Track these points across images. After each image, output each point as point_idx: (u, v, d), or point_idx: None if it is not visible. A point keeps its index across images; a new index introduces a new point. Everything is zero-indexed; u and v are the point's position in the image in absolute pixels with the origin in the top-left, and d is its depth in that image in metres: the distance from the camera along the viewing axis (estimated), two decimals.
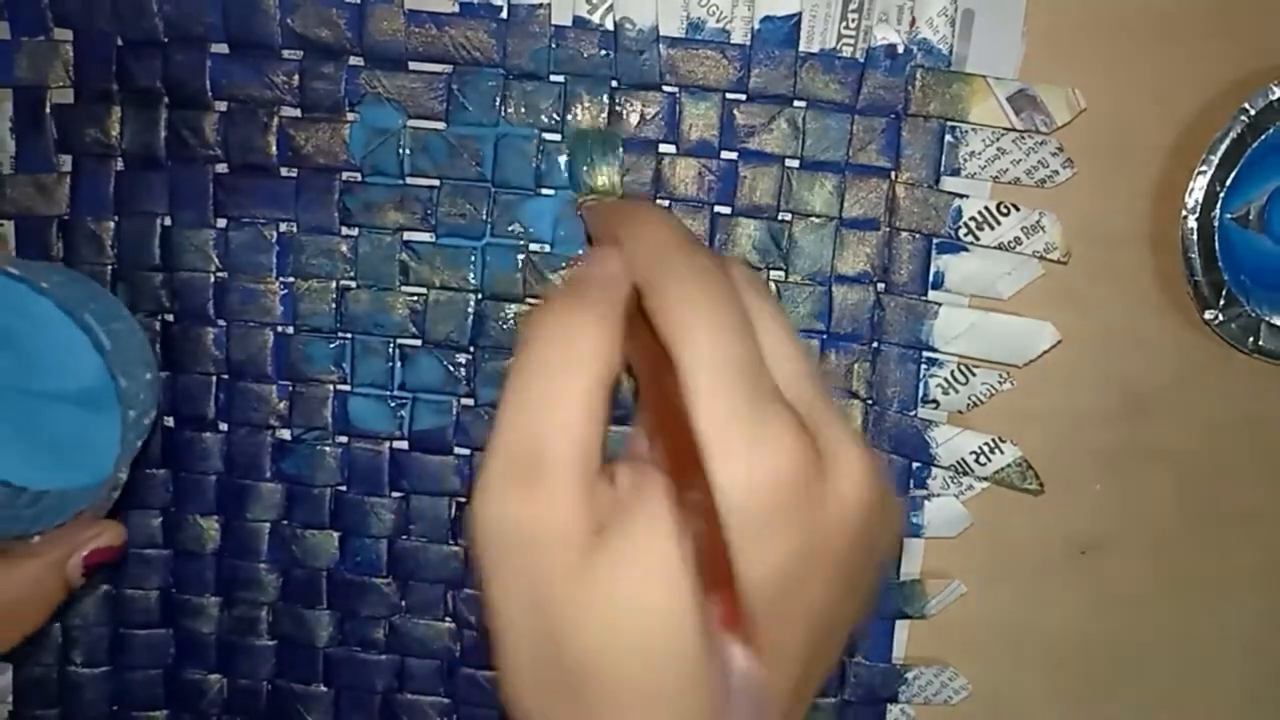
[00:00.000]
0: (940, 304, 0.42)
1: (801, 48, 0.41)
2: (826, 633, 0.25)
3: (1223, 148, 0.41)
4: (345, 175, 0.42)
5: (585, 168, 0.41)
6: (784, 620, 0.23)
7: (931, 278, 0.42)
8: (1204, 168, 0.41)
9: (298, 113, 0.42)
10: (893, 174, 0.41)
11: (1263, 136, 0.41)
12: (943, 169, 0.41)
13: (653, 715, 0.22)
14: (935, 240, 0.42)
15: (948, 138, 0.41)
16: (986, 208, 0.41)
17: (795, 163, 0.42)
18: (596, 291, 0.25)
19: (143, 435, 0.36)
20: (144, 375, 0.36)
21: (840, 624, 0.26)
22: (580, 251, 0.42)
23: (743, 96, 0.41)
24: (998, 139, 0.41)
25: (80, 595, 0.44)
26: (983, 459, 0.42)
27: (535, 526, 0.23)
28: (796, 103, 0.41)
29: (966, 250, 0.42)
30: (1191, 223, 0.41)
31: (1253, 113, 0.40)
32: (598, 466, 0.23)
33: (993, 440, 0.42)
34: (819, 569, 0.24)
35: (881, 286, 0.42)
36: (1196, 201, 0.41)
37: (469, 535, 0.24)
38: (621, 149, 0.41)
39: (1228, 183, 0.41)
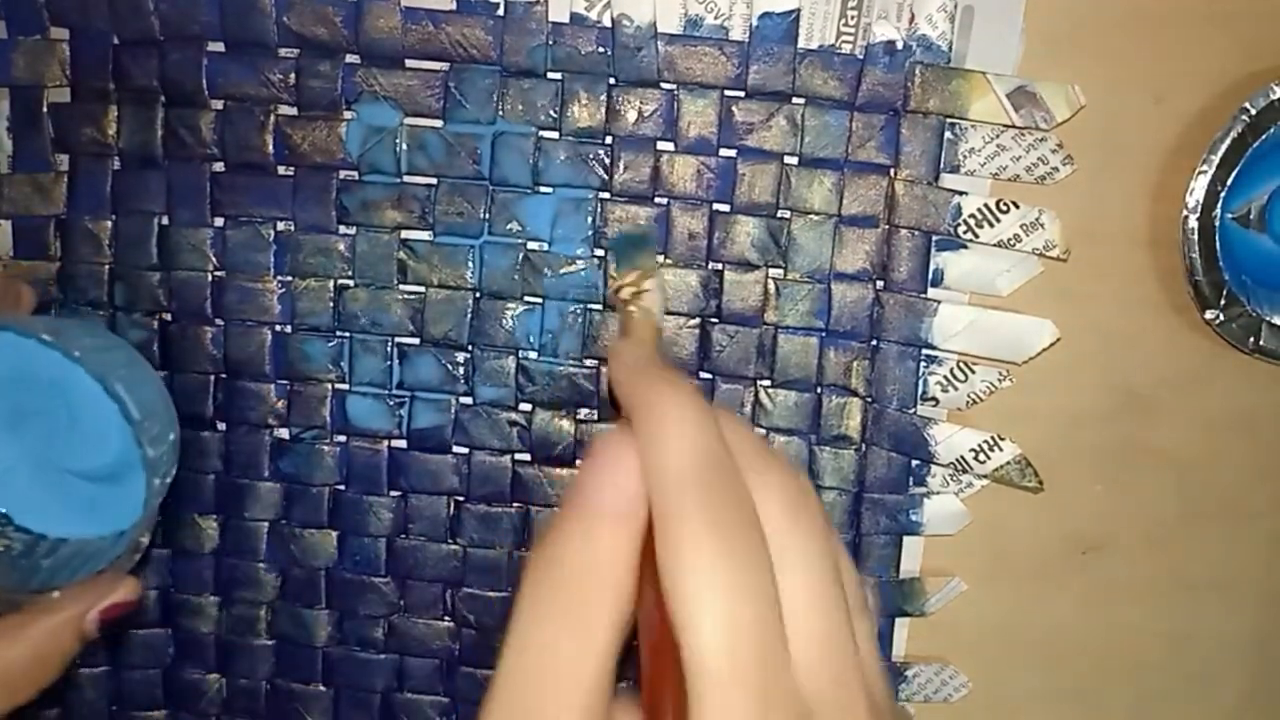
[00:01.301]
0: (939, 301, 0.42)
1: (800, 44, 0.41)
2: None
3: (1223, 147, 0.40)
4: (342, 174, 0.42)
5: (622, 262, 0.41)
6: None
7: (931, 275, 0.42)
8: (1204, 167, 0.41)
9: (294, 111, 0.41)
10: (892, 171, 0.41)
11: (1263, 136, 0.40)
12: (942, 166, 0.41)
13: None
14: (934, 237, 0.41)
15: (947, 134, 0.41)
16: (986, 205, 0.41)
17: (794, 160, 0.41)
18: (612, 524, 0.21)
19: (163, 494, 0.37)
20: (169, 437, 0.36)
21: None
22: (580, 251, 0.42)
23: (741, 93, 0.41)
24: (997, 135, 0.41)
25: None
26: (982, 456, 0.42)
27: None
28: (795, 99, 0.41)
29: (966, 248, 0.42)
30: (1192, 222, 0.41)
31: (1253, 112, 0.40)
32: None
33: (992, 438, 0.42)
34: None
35: (881, 284, 0.42)
36: (1197, 201, 0.41)
37: None
38: (654, 245, 0.42)
39: (1228, 182, 0.41)
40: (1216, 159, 0.41)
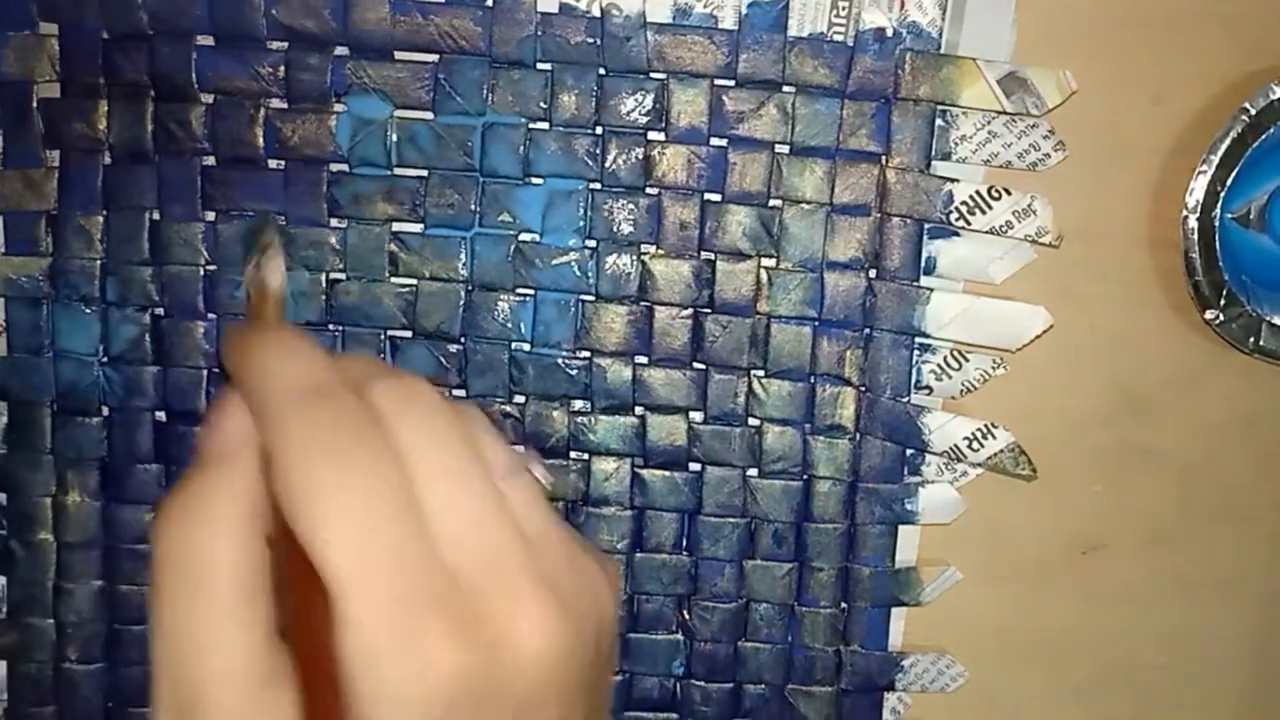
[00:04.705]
0: (932, 289, 0.41)
1: (790, 32, 0.40)
2: None
3: (1223, 147, 0.40)
4: (333, 166, 0.42)
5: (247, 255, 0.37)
6: None
7: (923, 263, 0.42)
8: (1204, 167, 0.40)
9: (284, 104, 0.41)
10: (883, 158, 0.41)
11: (1263, 136, 0.40)
12: (933, 153, 0.41)
13: None
14: (927, 225, 0.41)
15: (938, 121, 0.41)
16: (978, 192, 0.41)
17: (785, 148, 0.41)
18: (217, 478, 0.22)
19: None
20: None
21: None
22: (571, 242, 0.42)
23: (731, 82, 0.41)
24: (989, 122, 0.40)
25: (74, 591, 0.44)
26: (975, 444, 0.42)
27: None
28: (786, 88, 0.41)
29: (958, 235, 0.41)
30: (1192, 222, 0.41)
31: (1253, 112, 0.40)
32: (264, 679, 0.21)
33: (985, 426, 0.42)
34: None
35: (873, 272, 0.42)
36: (1197, 201, 0.41)
37: None
38: (279, 245, 0.37)
39: (1228, 182, 0.41)
40: (1216, 159, 0.40)
